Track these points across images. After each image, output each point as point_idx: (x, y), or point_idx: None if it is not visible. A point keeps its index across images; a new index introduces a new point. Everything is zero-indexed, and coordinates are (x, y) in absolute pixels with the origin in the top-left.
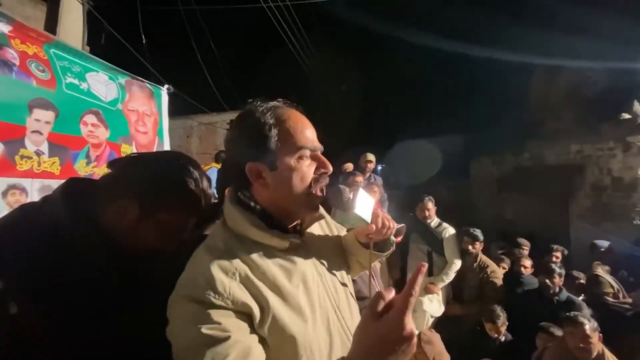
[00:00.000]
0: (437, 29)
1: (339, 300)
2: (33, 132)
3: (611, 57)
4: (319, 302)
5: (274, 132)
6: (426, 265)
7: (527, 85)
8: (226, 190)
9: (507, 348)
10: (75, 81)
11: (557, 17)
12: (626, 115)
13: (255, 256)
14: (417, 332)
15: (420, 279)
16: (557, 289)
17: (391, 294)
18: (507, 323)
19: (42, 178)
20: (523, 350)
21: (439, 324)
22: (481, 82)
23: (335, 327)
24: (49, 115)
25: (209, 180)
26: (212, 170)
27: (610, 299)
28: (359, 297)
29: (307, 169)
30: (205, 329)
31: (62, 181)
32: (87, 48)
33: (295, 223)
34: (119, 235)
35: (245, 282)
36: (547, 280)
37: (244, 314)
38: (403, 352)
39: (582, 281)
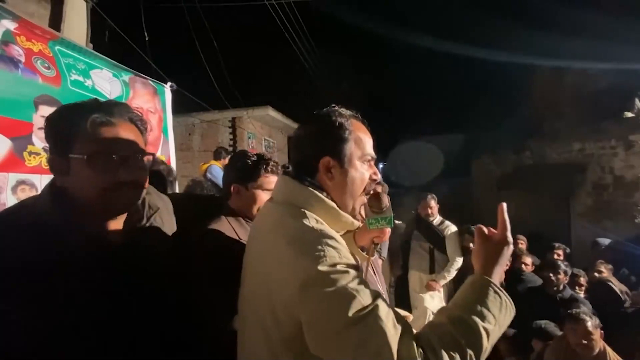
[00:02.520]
0: (440, 30)
1: None
2: (40, 128)
3: (613, 56)
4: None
5: (352, 137)
6: (505, 204)
7: (528, 84)
8: (232, 187)
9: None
10: (80, 78)
11: (559, 16)
12: (628, 114)
13: (333, 232)
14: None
15: (506, 213)
16: (562, 287)
17: (485, 229)
18: None
19: (50, 174)
20: (525, 346)
21: None
22: (482, 82)
23: None
24: None
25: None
26: (212, 168)
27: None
28: None
29: (366, 172)
30: (361, 287)
31: None
32: (91, 45)
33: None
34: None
35: (345, 249)
36: (551, 275)
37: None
38: (507, 255)
39: (582, 279)
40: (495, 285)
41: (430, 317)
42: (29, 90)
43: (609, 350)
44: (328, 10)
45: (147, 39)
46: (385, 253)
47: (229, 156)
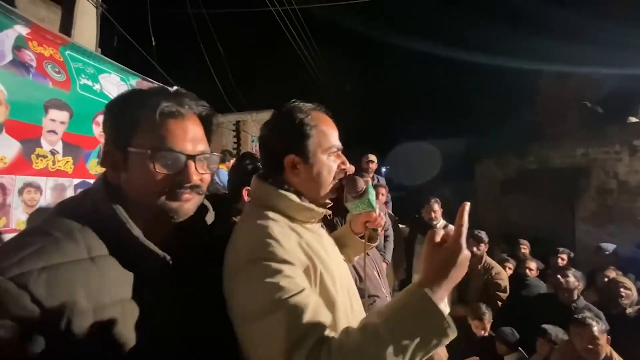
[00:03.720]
0: (444, 33)
1: (347, 272)
2: (49, 131)
3: (618, 61)
4: (342, 271)
5: (314, 132)
6: (469, 203)
7: (532, 88)
8: (243, 189)
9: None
10: (89, 82)
11: (564, 21)
12: (633, 119)
13: (297, 227)
14: None
15: (466, 215)
16: (576, 296)
17: (441, 231)
18: (492, 320)
19: (56, 177)
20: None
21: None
22: (486, 86)
23: (352, 293)
24: (63, 115)
25: None
26: (219, 171)
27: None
28: (363, 296)
29: (333, 164)
30: (283, 282)
31: (75, 180)
32: (99, 50)
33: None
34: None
35: (300, 245)
36: (567, 285)
37: (305, 273)
38: (462, 266)
39: (576, 275)
40: (431, 301)
41: None
42: (39, 94)
43: (615, 355)
44: (332, 15)
45: (154, 43)
46: (389, 257)
47: (234, 159)
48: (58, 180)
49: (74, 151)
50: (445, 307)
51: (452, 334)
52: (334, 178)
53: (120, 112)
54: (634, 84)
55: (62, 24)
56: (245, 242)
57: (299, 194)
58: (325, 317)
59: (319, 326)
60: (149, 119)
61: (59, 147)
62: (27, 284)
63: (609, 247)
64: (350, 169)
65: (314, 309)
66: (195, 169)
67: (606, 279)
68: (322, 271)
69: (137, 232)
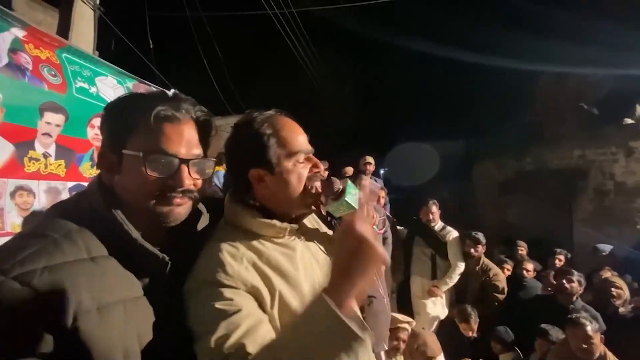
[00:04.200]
0: (443, 35)
1: None
2: (43, 134)
3: (614, 63)
4: (319, 284)
5: (273, 141)
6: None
7: (530, 90)
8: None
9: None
10: (85, 85)
11: (561, 23)
12: (629, 120)
13: (259, 245)
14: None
15: (366, 190)
16: (575, 297)
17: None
18: (478, 321)
19: (48, 180)
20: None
21: (443, 327)
22: (484, 87)
23: None
24: (59, 118)
25: None
26: (220, 173)
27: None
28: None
29: (302, 170)
30: (218, 304)
31: (68, 183)
32: (96, 53)
33: (293, 217)
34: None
35: (253, 267)
36: (566, 286)
37: (253, 295)
38: (361, 251)
39: (579, 279)
40: (329, 308)
41: (432, 323)
42: (35, 97)
43: (609, 354)
44: (329, 17)
45: (151, 46)
46: (387, 259)
47: None
48: (51, 184)
49: (67, 154)
50: (444, 310)
51: (362, 338)
52: (308, 184)
53: (118, 115)
54: (631, 86)
55: (59, 27)
56: (200, 263)
57: (266, 209)
58: (260, 337)
59: (242, 348)
60: (145, 122)
61: (52, 150)
62: (30, 282)
63: (606, 248)
64: (349, 170)
65: (245, 330)
66: (189, 173)
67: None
68: (282, 291)
69: (135, 234)
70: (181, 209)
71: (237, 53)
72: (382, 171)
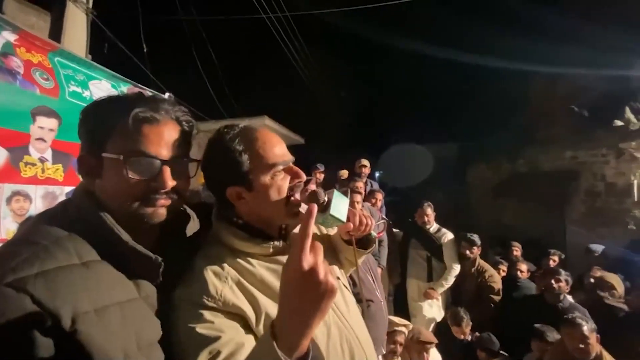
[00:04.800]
0: (436, 39)
1: None
2: (37, 139)
3: (604, 66)
4: None
5: (245, 157)
6: (316, 207)
7: (523, 93)
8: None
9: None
10: (79, 89)
11: (553, 27)
12: (618, 122)
13: (244, 263)
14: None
15: (311, 222)
16: (562, 296)
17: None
18: (471, 324)
19: (46, 185)
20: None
21: (440, 329)
22: (477, 90)
23: (330, 318)
24: (52, 122)
25: None
26: None
27: (612, 300)
28: (359, 300)
29: (282, 182)
30: (199, 328)
31: (66, 187)
32: (89, 56)
33: (281, 229)
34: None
35: (237, 286)
36: (553, 286)
37: (237, 315)
38: (308, 289)
39: (566, 279)
40: (274, 351)
41: (429, 325)
42: (27, 101)
43: (605, 353)
44: (324, 21)
45: (145, 50)
46: (384, 262)
47: None
48: (48, 189)
49: (64, 159)
50: (440, 312)
51: None
52: (290, 195)
53: (95, 118)
54: (620, 89)
55: (51, 31)
56: (185, 279)
57: (248, 226)
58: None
59: None
60: (124, 124)
61: (48, 154)
62: (25, 287)
63: (598, 248)
64: (344, 173)
65: (224, 358)
66: (171, 174)
67: (592, 279)
68: (268, 309)
69: (126, 236)
70: (165, 209)
71: (232, 56)
72: (377, 174)
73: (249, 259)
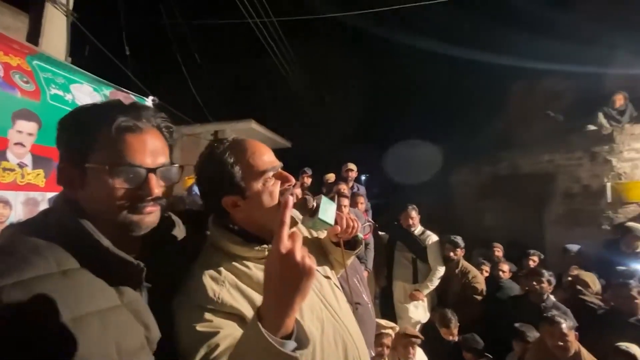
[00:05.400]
0: (417, 45)
1: (324, 291)
2: (15, 144)
3: (577, 75)
4: (310, 299)
5: (237, 168)
6: (291, 199)
7: (503, 99)
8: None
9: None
10: (60, 92)
11: (531, 39)
12: (591, 127)
13: (241, 267)
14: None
15: (287, 211)
16: (545, 296)
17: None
18: (458, 325)
19: (26, 190)
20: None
21: (426, 330)
22: (459, 95)
23: (324, 315)
24: (31, 126)
25: None
26: None
27: (590, 297)
28: (349, 302)
29: (273, 188)
30: (199, 327)
31: (48, 193)
32: (69, 59)
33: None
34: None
35: (235, 289)
36: (536, 286)
37: (235, 315)
38: (288, 273)
39: (548, 279)
40: (260, 333)
41: (415, 327)
42: (7, 104)
43: (583, 350)
44: (308, 26)
45: (128, 53)
46: (370, 265)
47: None
48: (29, 195)
49: (45, 164)
50: (425, 313)
51: (296, 357)
52: (281, 199)
53: (75, 129)
54: (593, 95)
55: (29, 33)
56: (184, 287)
57: (243, 232)
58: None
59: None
60: (106, 134)
61: (27, 159)
62: (1, 297)
63: (574, 248)
64: (331, 177)
65: (223, 350)
66: (157, 181)
67: (570, 278)
68: None
69: (106, 242)
70: (152, 216)
71: (217, 59)
72: (363, 177)
73: (245, 262)
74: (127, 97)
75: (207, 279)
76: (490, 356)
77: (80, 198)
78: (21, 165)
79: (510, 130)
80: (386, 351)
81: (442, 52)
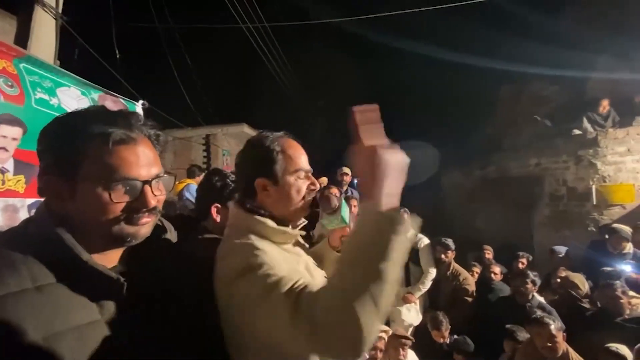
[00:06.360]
0: (408, 48)
1: None
2: None
3: (563, 79)
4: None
5: (280, 157)
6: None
7: (492, 104)
8: (212, 207)
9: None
10: (46, 96)
11: (518, 44)
12: (577, 131)
13: (274, 246)
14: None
15: (359, 115)
16: (531, 296)
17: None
18: (449, 327)
19: (5, 197)
20: (495, 354)
21: (418, 333)
22: (451, 100)
23: None
24: (15, 131)
25: None
26: (191, 187)
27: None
28: None
29: (301, 185)
30: (268, 280)
31: (27, 200)
32: (58, 62)
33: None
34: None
35: (282, 256)
36: (520, 287)
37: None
38: (383, 159)
39: (533, 279)
40: (370, 209)
41: (407, 329)
42: None
43: (571, 351)
44: (300, 30)
45: (118, 56)
46: None
47: (203, 174)
48: (8, 201)
49: (27, 169)
50: (418, 316)
51: (399, 222)
52: (304, 198)
53: (62, 140)
54: (578, 100)
55: (17, 35)
56: (227, 260)
57: (273, 218)
58: (310, 286)
59: (310, 287)
60: (98, 146)
61: (9, 165)
62: None
63: (562, 249)
64: (324, 181)
65: (303, 281)
66: (152, 192)
67: (558, 279)
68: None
69: (86, 256)
70: (147, 227)
71: (209, 63)
72: (355, 181)
73: (276, 245)
74: (116, 101)
75: (253, 241)
76: (481, 357)
77: (70, 209)
78: (2, 171)
79: (499, 134)
80: (379, 354)
81: (433, 57)
